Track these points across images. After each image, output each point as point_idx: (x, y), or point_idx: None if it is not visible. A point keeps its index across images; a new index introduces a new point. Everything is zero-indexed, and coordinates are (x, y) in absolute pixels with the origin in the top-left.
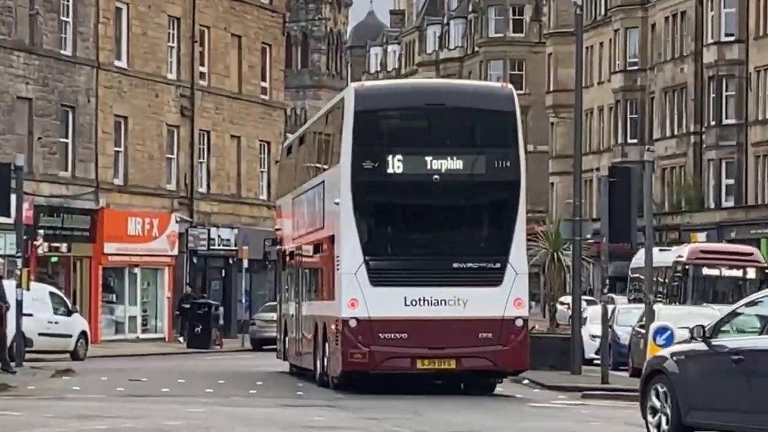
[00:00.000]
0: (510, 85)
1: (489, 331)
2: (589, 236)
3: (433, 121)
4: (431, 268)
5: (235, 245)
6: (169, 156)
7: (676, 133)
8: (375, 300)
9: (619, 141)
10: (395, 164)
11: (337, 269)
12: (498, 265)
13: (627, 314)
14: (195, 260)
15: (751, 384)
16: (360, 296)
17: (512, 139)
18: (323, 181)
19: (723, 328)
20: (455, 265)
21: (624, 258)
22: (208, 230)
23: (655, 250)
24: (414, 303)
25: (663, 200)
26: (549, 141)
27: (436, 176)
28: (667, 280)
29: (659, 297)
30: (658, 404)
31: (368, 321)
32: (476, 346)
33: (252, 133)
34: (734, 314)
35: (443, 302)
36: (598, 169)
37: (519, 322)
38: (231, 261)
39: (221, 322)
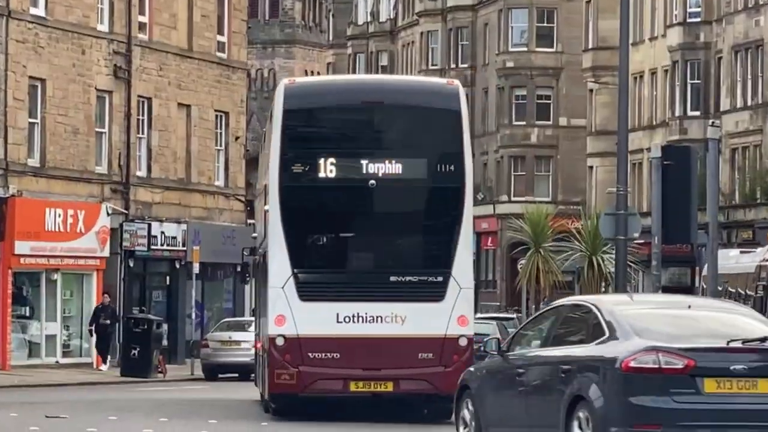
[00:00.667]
0: (456, 82)
1: (430, 351)
2: (636, 235)
3: (370, 121)
4: (366, 282)
5: (184, 245)
6: (99, 130)
7: (749, 103)
8: (304, 316)
9: (677, 113)
10: (328, 168)
11: (267, 283)
12: (440, 279)
13: None
14: (132, 263)
15: (528, 398)
16: (288, 312)
17: (457, 141)
18: (265, 185)
19: (522, 341)
20: (393, 278)
21: (683, 263)
22: (149, 225)
23: (733, 252)
24: (347, 320)
25: (732, 189)
26: (587, 113)
27: (373, 181)
28: (748, 291)
29: None
30: (468, 419)
31: (296, 339)
32: (415, 367)
33: (205, 101)
34: (534, 323)
35: (379, 319)
36: (649, 150)
37: (463, 342)
38: (178, 265)
39: (165, 343)
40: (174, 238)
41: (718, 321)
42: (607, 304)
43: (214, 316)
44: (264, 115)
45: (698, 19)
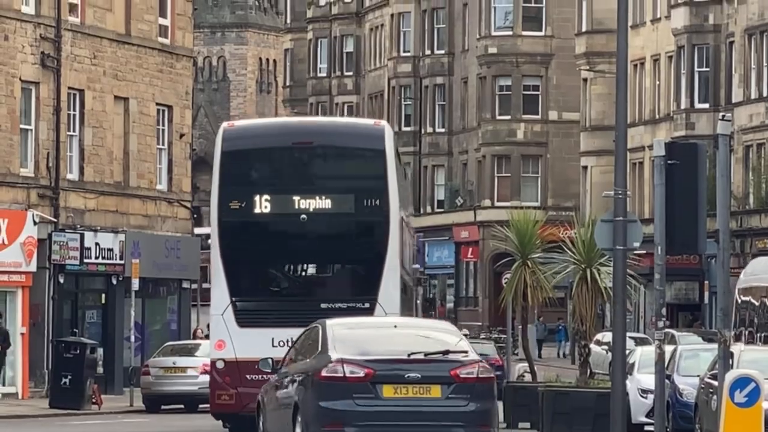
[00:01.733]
0: (383, 122)
1: None
2: (637, 245)
3: (300, 161)
4: (299, 309)
5: (121, 258)
6: (25, 127)
7: (764, 94)
8: (242, 341)
9: (683, 106)
10: (262, 204)
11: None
12: (367, 305)
13: (693, 359)
14: (62, 279)
15: (279, 410)
16: (227, 337)
17: (382, 177)
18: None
19: (291, 358)
20: (323, 305)
21: (690, 276)
22: (81, 236)
23: (763, 261)
24: (282, 344)
25: (746, 192)
26: (580, 106)
27: (304, 216)
28: None
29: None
30: None
31: (235, 362)
32: None
33: (146, 94)
34: (298, 342)
35: None
36: (651, 147)
37: None
38: (115, 281)
39: (100, 370)
40: (110, 250)
41: (417, 337)
42: (331, 324)
43: (155, 339)
44: (213, 109)
45: None
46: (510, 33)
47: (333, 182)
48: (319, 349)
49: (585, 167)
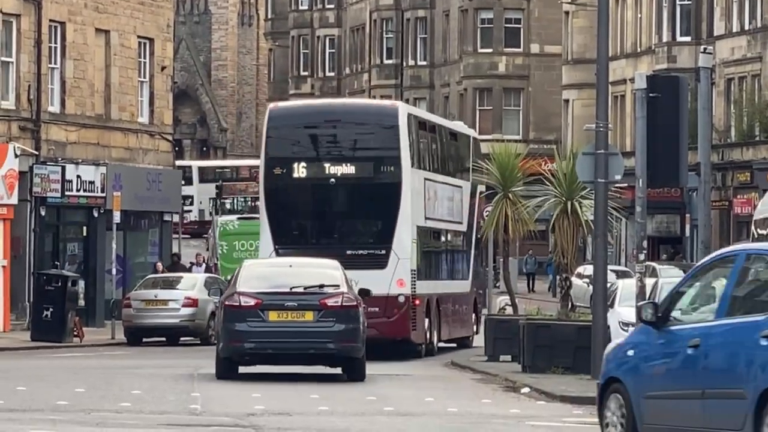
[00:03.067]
0: (398, 103)
1: (376, 306)
2: (618, 177)
3: (330, 135)
4: (329, 255)
5: (103, 190)
6: (5, 59)
7: (746, 27)
8: None
9: (664, 39)
10: (300, 170)
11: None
12: (383, 252)
13: None
14: (43, 212)
15: None
16: None
17: (396, 148)
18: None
19: None
20: (348, 252)
21: (671, 209)
22: (63, 168)
23: None
24: None
25: (728, 125)
26: (562, 39)
27: (333, 179)
28: None
29: None
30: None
31: None
32: (366, 319)
33: (127, 26)
34: None
35: None
36: (632, 80)
37: (401, 299)
38: (96, 213)
39: (81, 303)
40: (92, 182)
41: (303, 274)
42: (245, 264)
43: (137, 271)
44: (194, 42)
45: None
46: None
47: (356, 152)
48: (233, 283)
49: (567, 100)
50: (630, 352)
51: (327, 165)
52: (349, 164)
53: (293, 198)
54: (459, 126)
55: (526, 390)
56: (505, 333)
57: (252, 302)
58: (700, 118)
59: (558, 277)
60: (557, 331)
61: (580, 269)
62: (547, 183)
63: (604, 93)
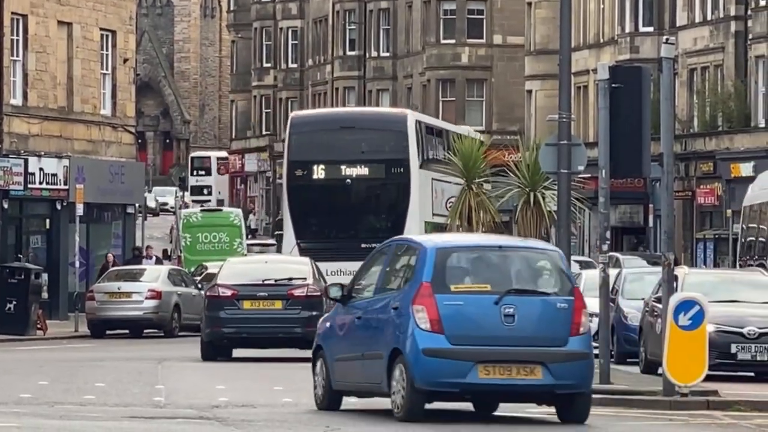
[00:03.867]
0: (407, 111)
1: None
2: (581, 168)
3: (345, 140)
4: (345, 247)
5: (66, 183)
6: None
7: (709, 17)
8: None
9: (627, 29)
10: (319, 171)
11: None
12: None
13: (638, 282)
14: (5, 205)
15: None
16: None
17: (405, 151)
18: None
19: None
20: (363, 245)
21: (634, 199)
22: (25, 161)
23: None
24: (333, 273)
25: (691, 116)
26: (525, 30)
27: (348, 180)
28: None
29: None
30: None
31: None
32: None
33: (89, 19)
34: None
35: (353, 273)
36: (595, 71)
37: None
38: (59, 206)
39: (45, 295)
40: (54, 175)
41: (276, 269)
42: (228, 261)
43: (99, 264)
44: (157, 34)
45: None
46: None
47: (369, 155)
48: (215, 277)
49: (530, 91)
50: (327, 324)
51: (343, 167)
52: (362, 166)
53: (313, 197)
54: (464, 130)
55: None
56: None
57: (229, 293)
58: (663, 109)
59: None
60: None
61: None
62: (511, 174)
63: (567, 84)
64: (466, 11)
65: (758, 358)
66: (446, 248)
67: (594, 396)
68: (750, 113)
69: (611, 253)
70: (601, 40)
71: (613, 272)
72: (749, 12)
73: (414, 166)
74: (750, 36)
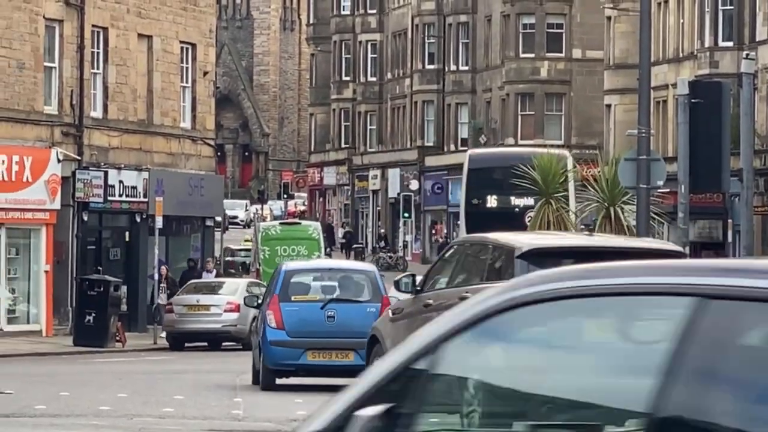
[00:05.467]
0: (566, 153)
1: None
2: (661, 183)
3: (515, 175)
4: None
5: (145, 195)
6: (49, 65)
7: None
8: None
9: (707, 44)
10: (492, 201)
11: None
12: None
13: None
14: (86, 217)
15: None
16: None
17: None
18: None
19: None
20: None
21: (713, 214)
22: (105, 173)
23: None
24: None
25: None
26: (604, 44)
27: (517, 208)
28: None
29: None
30: None
31: None
32: None
33: (169, 32)
34: None
35: None
36: (675, 86)
37: None
38: (138, 218)
39: (124, 308)
40: (134, 188)
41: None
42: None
43: (178, 277)
44: (236, 47)
45: None
46: None
47: (529, 189)
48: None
49: (609, 105)
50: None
51: (512, 198)
52: (527, 197)
53: (486, 222)
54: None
55: None
56: None
57: None
58: (743, 124)
59: None
60: None
61: None
62: (590, 188)
63: (646, 98)
64: (546, 25)
65: None
66: (293, 270)
67: None
68: None
69: None
70: (681, 55)
71: None
72: None
73: (572, 202)
74: None
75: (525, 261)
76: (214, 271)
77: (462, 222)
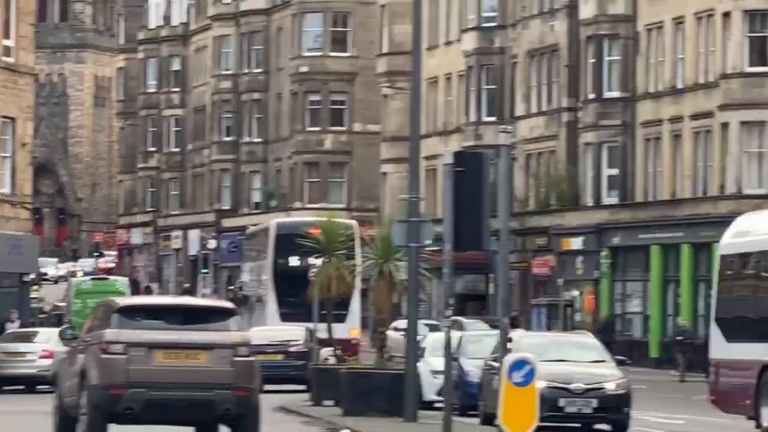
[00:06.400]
0: (354, 222)
1: None
2: (429, 242)
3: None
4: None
5: None
6: None
7: (544, 108)
8: None
9: (472, 119)
10: (293, 261)
11: None
12: None
13: (478, 343)
14: None
15: None
16: None
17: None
18: None
19: None
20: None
21: (477, 270)
22: None
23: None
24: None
25: (527, 196)
26: (381, 118)
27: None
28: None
29: None
30: None
31: None
32: None
33: None
34: None
35: None
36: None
37: None
38: None
39: None
40: None
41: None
42: None
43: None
44: (53, 121)
45: (494, 24)
46: (320, 54)
47: (316, 249)
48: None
49: (385, 173)
50: None
51: (308, 259)
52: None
53: (288, 279)
54: None
55: (346, 431)
56: (328, 381)
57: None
58: (500, 190)
59: (375, 332)
60: (374, 378)
61: (396, 323)
62: (367, 246)
63: (417, 167)
64: (330, 102)
65: (583, 411)
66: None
67: None
68: (579, 194)
69: (455, 318)
70: (449, 128)
71: (456, 334)
72: (579, 104)
73: (358, 259)
74: (579, 125)
75: (120, 314)
76: (17, 322)
77: (270, 278)
